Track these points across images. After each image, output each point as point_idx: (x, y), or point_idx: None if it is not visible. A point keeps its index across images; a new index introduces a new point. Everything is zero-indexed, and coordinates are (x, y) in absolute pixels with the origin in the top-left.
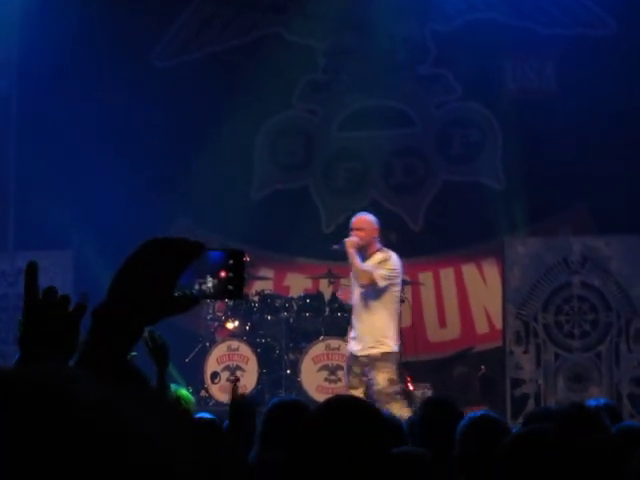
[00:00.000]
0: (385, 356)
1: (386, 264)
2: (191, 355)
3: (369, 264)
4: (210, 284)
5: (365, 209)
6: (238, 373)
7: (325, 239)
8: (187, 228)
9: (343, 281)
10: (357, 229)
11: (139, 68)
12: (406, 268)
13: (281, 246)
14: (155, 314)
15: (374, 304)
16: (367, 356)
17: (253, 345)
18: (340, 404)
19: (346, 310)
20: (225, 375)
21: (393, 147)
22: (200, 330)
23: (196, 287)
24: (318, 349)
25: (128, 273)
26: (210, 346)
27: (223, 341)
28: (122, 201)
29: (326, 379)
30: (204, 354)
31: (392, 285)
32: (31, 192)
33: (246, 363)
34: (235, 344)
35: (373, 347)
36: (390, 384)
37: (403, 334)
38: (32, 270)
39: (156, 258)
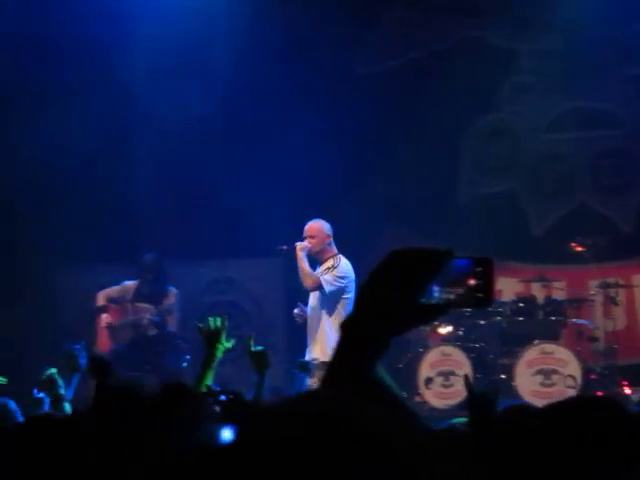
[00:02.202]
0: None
1: (332, 271)
2: (405, 360)
3: (319, 270)
4: (458, 292)
5: (574, 211)
6: (452, 378)
7: (536, 242)
8: (395, 233)
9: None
10: (309, 237)
11: (342, 75)
12: (619, 270)
13: (490, 250)
14: (403, 324)
15: (323, 312)
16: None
17: (466, 350)
18: (587, 406)
19: (560, 313)
20: (439, 380)
21: (601, 148)
22: (412, 335)
23: (443, 296)
24: (532, 353)
25: (375, 284)
26: (423, 352)
27: (437, 346)
28: (329, 207)
29: (541, 383)
30: (418, 359)
31: (340, 292)
32: (241, 200)
33: (460, 368)
34: (448, 349)
35: (318, 356)
36: None
37: (618, 336)
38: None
39: (403, 268)
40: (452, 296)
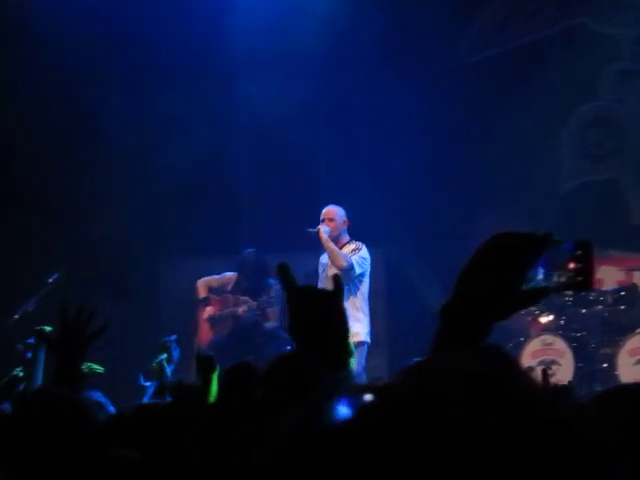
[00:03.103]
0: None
1: (358, 252)
2: (506, 349)
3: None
4: (558, 276)
5: None
6: (554, 368)
7: (638, 231)
8: (492, 222)
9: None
10: (328, 219)
11: (443, 63)
12: None
13: (592, 238)
14: (504, 309)
15: (350, 294)
16: None
17: (568, 339)
18: None
19: None
20: (540, 370)
21: None
22: (513, 325)
23: (544, 280)
24: (634, 342)
25: (475, 268)
26: (525, 341)
27: (538, 335)
28: (426, 196)
29: None
30: (519, 349)
31: (364, 274)
32: (342, 190)
33: (561, 357)
34: (550, 338)
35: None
36: None
37: None
38: (283, 269)
39: (504, 252)
40: (553, 280)
